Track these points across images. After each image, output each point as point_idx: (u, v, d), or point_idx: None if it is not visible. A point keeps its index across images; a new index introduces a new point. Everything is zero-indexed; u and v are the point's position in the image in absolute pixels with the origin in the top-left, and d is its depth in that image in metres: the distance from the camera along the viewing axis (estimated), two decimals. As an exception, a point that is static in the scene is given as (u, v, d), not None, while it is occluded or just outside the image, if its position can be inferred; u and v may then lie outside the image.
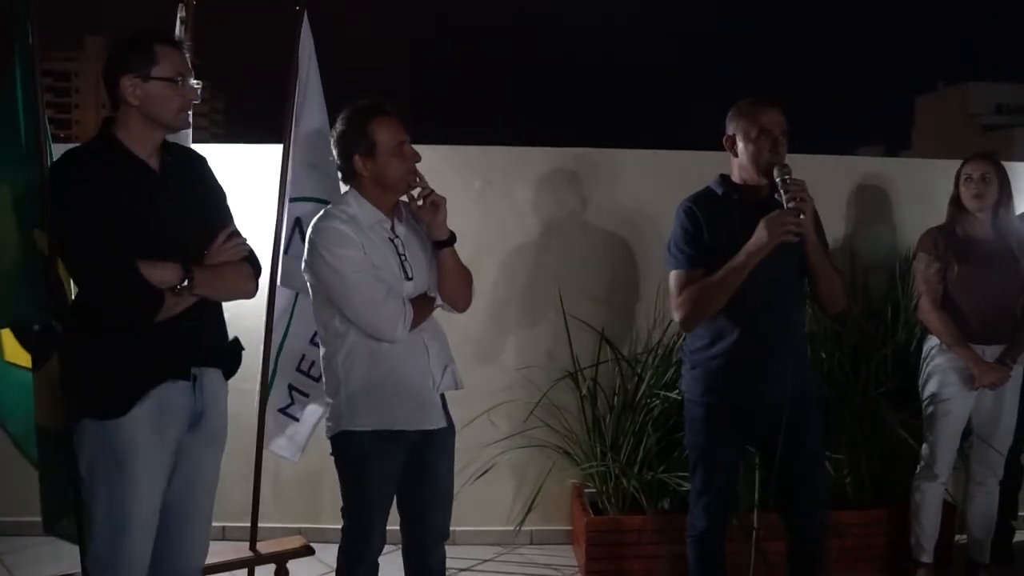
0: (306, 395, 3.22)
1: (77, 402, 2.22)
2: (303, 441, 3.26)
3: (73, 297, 2.44)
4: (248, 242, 2.35)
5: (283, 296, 3.16)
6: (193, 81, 2.25)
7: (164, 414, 2.20)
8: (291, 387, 3.22)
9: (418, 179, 2.48)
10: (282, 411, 3.23)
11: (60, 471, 2.63)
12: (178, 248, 2.18)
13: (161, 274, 2.11)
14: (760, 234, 2.51)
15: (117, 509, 2.16)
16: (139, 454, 2.15)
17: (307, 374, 3.21)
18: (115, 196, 2.11)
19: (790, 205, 2.49)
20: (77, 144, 2.39)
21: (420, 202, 2.47)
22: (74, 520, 2.67)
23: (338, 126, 2.52)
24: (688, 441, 2.86)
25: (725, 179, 2.76)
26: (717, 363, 2.69)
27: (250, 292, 2.36)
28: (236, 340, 2.41)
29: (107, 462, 2.15)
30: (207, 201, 2.34)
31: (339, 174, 2.57)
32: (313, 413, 3.23)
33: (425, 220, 2.50)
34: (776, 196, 2.54)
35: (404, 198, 2.54)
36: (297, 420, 3.25)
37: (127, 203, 2.12)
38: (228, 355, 2.38)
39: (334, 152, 2.53)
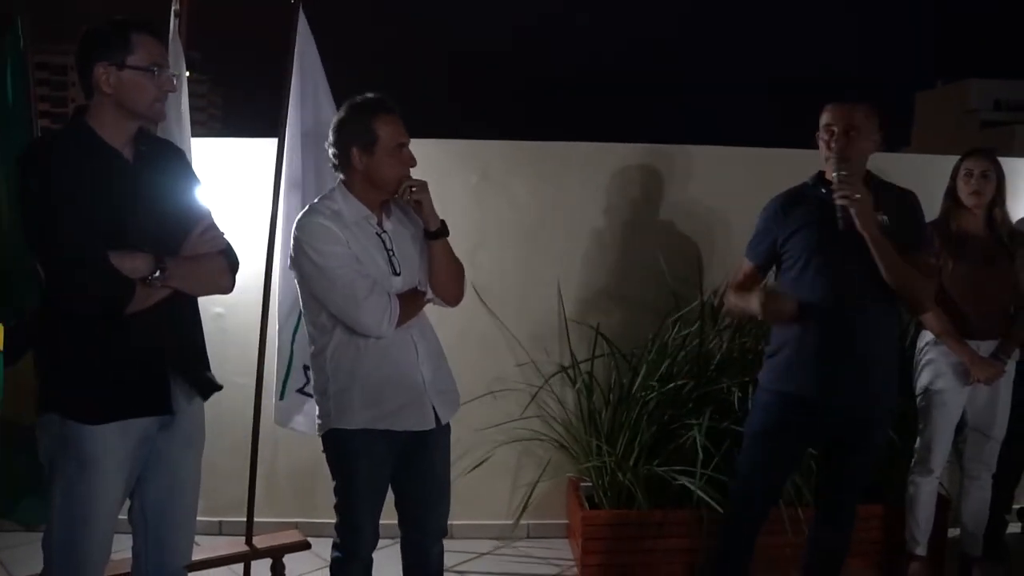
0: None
1: (43, 395, 2.15)
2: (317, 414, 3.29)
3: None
4: (226, 235, 2.28)
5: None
6: (169, 71, 2.18)
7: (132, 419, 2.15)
8: (306, 367, 3.20)
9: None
10: (300, 391, 3.26)
11: (20, 459, 2.57)
12: (152, 240, 2.11)
13: (132, 264, 2.04)
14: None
15: (77, 504, 2.11)
16: (103, 455, 2.10)
17: None
18: (86, 185, 2.05)
19: (838, 202, 2.56)
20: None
21: (406, 197, 2.44)
22: (37, 499, 2.60)
23: (340, 114, 2.47)
24: (745, 424, 2.96)
25: (820, 173, 2.79)
26: (784, 354, 2.79)
27: (225, 287, 2.28)
28: (218, 386, 2.36)
29: (69, 458, 2.10)
30: (183, 193, 2.27)
31: (333, 162, 2.50)
32: None
33: (414, 213, 2.50)
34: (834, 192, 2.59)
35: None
36: (312, 397, 3.20)
37: (98, 192, 2.06)
38: (207, 382, 2.33)
39: (330, 139, 2.47)
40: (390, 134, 2.42)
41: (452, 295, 2.60)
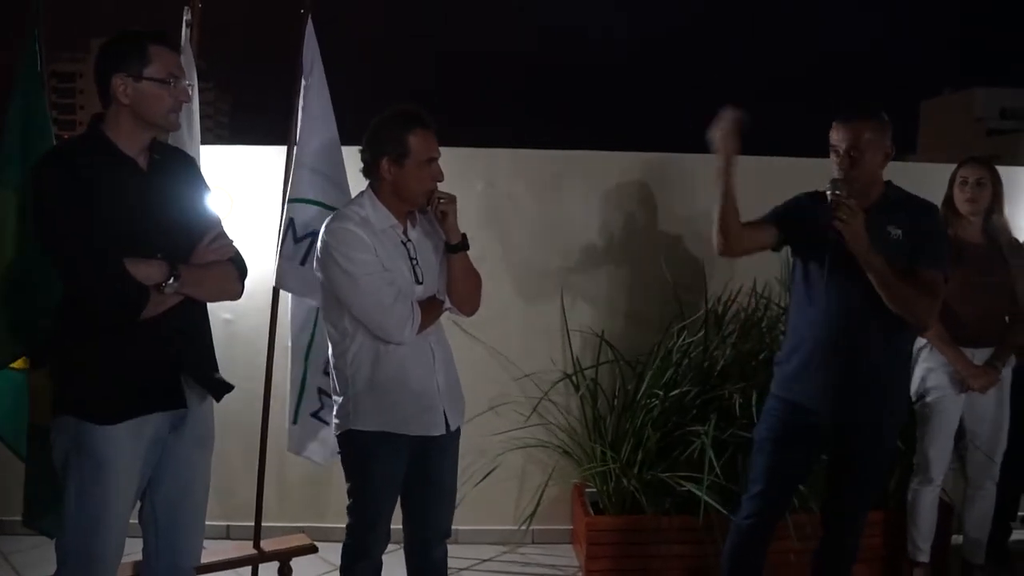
0: (332, 397, 3.22)
1: (59, 397, 2.20)
2: (336, 444, 3.26)
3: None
4: (235, 243, 2.34)
5: (307, 300, 3.12)
6: (185, 82, 2.25)
7: (144, 419, 2.20)
8: (320, 390, 3.18)
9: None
10: (314, 415, 3.20)
11: (49, 468, 2.60)
12: (164, 247, 2.17)
13: (146, 271, 2.10)
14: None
15: (90, 506, 2.15)
16: (116, 455, 2.14)
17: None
18: (101, 193, 2.10)
19: (833, 222, 2.56)
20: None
21: (434, 208, 2.50)
22: (59, 516, 2.66)
23: (375, 122, 2.50)
24: (754, 430, 2.98)
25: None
26: (792, 363, 2.81)
27: (235, 293, 2.35)
28: (229, 386, 2.40)
29: (82, 459, 2.14)
30: (195, 201, 2.33)
31: (361, 166, 2.53)
32: None
33: (438, 224, 2.54)
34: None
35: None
36: (327, 424, 3.19)
37: (113, 200, 2.12)
38: (217, 384, 2.37)
39: (363, 145, 2.50)
40: (422, 148, 2.46)
41: (469, 306, 2.67)
